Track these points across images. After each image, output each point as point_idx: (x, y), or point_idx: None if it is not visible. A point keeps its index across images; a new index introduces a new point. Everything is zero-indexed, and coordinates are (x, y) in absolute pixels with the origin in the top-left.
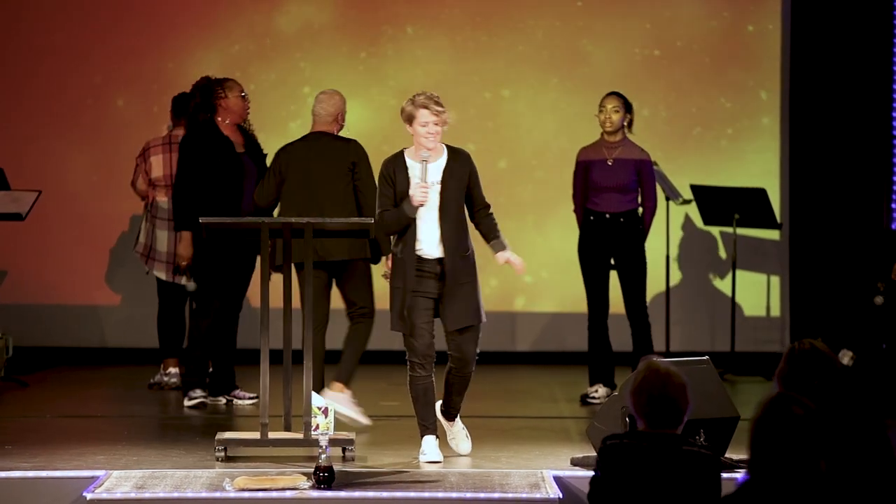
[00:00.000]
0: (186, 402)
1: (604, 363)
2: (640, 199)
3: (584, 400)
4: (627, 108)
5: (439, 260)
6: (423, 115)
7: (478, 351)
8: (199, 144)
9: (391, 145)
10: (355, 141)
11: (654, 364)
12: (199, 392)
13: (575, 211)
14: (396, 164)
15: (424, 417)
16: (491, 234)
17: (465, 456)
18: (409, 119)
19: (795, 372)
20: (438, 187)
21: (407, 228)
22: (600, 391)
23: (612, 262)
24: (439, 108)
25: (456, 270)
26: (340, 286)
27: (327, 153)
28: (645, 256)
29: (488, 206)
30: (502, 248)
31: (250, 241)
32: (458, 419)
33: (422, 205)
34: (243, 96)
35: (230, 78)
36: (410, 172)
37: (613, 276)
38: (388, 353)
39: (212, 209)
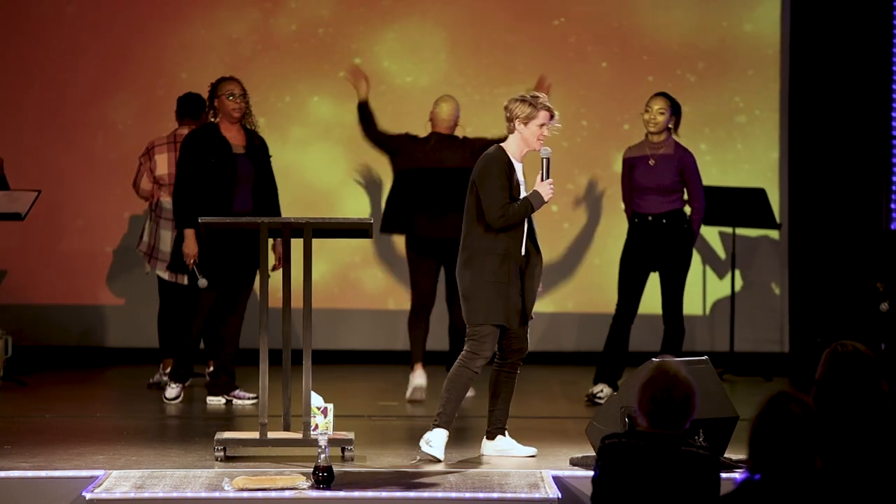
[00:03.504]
0: (165, 394)
1: (614, 365)
2: (685, 199)
3: (592, 400)
4: (674, 109)
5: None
6: (544, 117)
7: None
8: (195, 145)
9: None
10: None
11: (665, 365)
12: (176, 386)
13: (626, 211)
14: (508, 162)
15: (454, 412)
16: None
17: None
18: (528, 118)
19: (836, 374)
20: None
21: (514, 225)
22: (605, 391)
23: (656, 263)
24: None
25: (539, 268)
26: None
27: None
28: (689, 259)
29: None
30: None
31: (248, 240)
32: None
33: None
34: (228, 96)
35: (226, 77)
36: (518, 169)
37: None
38: (389, 353)
39: (203, 210)
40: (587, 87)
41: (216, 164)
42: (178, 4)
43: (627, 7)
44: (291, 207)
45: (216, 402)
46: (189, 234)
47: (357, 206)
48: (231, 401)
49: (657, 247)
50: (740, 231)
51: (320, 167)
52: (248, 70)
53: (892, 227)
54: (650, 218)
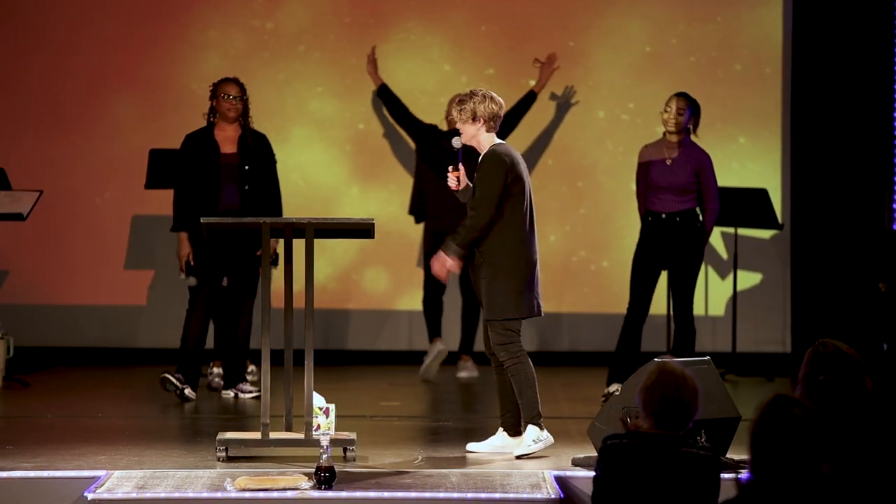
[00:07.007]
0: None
1: (627, 365)
2: (698, 200)
3: (608, 400)
4: (694, 109)
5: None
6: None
7: (502, 345)
8: (184, 148)
9: (392, 145)
10: None
11: (670, 365)
12: (188, 389)
13: (639, 210)
14: None
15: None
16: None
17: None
18: None
19: (817, 373)
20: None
21: None
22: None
23: (667, 262)
24: (459, 107)
25: (476, 265)
26: None
27: None
28: (701, 259)
29: (471, 209)
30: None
31: (245, 239)
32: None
33: (451, 189)
34: (223, 96)
35: (226, 78)
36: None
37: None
38: (390, 353)
39: (191, 210)
40: (587, 86)
41: (202, 165)
42: (179, 3)
43: (629, 7)
44: (291, 207)
45: (227, 395)
46: (182, 237)
47: (358, 206)
48: (237, 394)
49: (669, 245)
50: (742, 231)
51: (320, 167)
52: (248, 69)
53: (895, 226)
54: (664, 216)
